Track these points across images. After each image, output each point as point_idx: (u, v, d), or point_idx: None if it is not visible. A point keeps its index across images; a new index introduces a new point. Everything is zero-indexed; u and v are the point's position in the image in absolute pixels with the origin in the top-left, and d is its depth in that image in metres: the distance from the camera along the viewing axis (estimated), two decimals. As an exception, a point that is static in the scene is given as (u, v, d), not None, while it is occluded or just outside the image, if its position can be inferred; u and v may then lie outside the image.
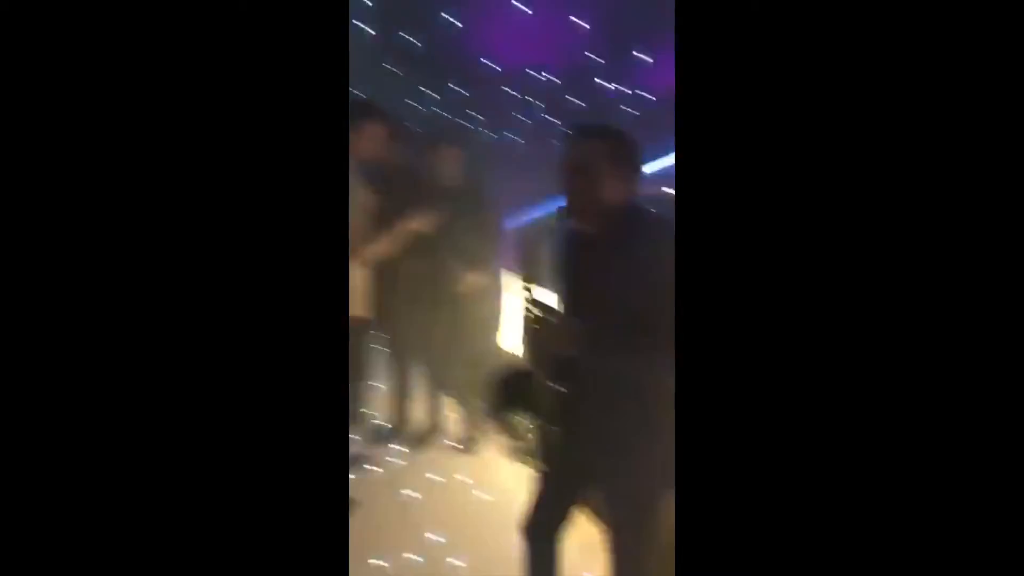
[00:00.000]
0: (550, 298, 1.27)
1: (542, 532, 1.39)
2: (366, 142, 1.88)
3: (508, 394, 1.34)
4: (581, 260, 1.30)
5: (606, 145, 1.25)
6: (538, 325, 1.22)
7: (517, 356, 1.45)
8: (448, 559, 1.77)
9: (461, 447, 2.45)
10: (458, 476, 2.23)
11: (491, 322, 2.50)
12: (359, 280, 1.93)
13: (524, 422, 1.39)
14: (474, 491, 2.15)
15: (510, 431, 1.42)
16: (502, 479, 2.23)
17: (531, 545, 1.39)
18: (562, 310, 1.26)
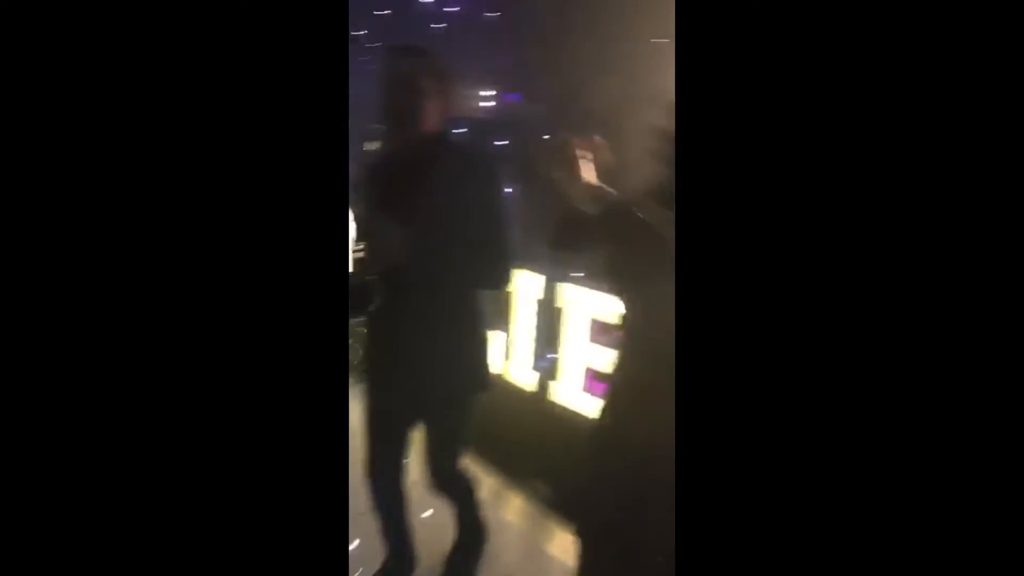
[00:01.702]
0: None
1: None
2: None
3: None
4: (400, 177, 1.37)
5: (426, 61, 1.30)
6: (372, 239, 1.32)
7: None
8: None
9: None
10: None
11: None
12: None
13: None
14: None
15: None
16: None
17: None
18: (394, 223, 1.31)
